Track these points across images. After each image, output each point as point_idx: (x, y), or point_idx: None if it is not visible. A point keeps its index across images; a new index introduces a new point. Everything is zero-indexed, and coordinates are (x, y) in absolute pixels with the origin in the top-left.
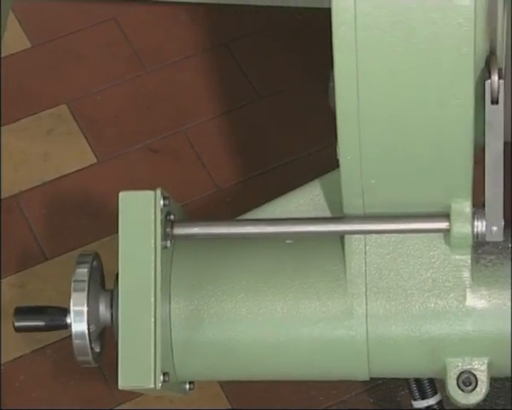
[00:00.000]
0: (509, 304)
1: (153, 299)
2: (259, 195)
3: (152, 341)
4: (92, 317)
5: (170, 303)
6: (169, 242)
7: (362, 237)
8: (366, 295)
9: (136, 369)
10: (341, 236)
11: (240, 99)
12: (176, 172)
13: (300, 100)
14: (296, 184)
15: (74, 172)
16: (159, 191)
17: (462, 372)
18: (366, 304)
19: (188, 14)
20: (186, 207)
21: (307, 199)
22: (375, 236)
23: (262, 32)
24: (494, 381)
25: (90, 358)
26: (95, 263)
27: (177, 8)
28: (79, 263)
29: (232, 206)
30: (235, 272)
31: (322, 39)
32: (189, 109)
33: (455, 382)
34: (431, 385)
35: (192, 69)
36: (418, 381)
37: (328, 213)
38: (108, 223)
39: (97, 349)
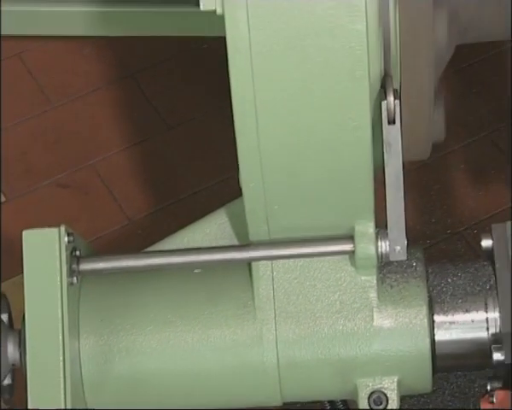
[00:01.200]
0: (415, 322)
1: (61, 337)
2: (171, 225)
3: (61, 380)
4: (1, 357)
5: (79, 340)
6: (75, 278)
7: (269, 262)
8: (275, 320)
9: (46, 408)
10: (249, 263)
11: (148, 130)
12: (86, 207)
13: (209, 128)
14: (207, 213)
15: None
16: (63, 228)
17: (372, 392)
18: (275, 329)
19: (93, 47)
20: (98, 241)
21: (214, 228)
22: (281, 261)
23: (168, 62)
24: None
25: None
26: (2, 303)
27: (81, 42)
28: None
29: (144, 237)
30: (143, 305)
31: (227, 68)
32: (97, 143)
33: (366, 402)
34: (344, 407)
35: (99, 102)
36: (332, 403)
37: (234, 241)
38: (19, 261)
39: (7, 391)
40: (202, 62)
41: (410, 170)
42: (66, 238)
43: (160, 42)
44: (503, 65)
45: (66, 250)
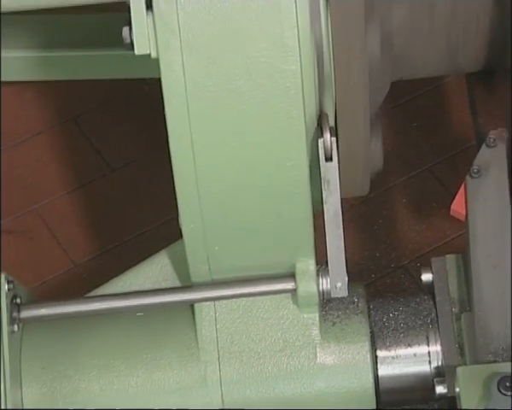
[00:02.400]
0: (358, 358)
1: (2, 386)
2: (116, 268)
3: None
4: None
5: (21, 388)
6: (16, 326)
7: (211, 303)
8: (219, 361)
9: None
10: (191, 304)
11: (91, 173)
12: (31, 252)
13: (152, 170)
14: (152, 255)
15: None
16: (2, 276)
17: None
18: (220, 370)
19: (34, 92)
20: (43, 287)
21: (156, 270)
22: (224, 301)
23: (109, 104)
24: None
25: None
26: None
27: (23, 87)
28: None
29: (89, 281)
30: (86, 351)
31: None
32: (40, 187)
33: None
34: None
35: (41, 147)
36: None
37: (177, 283)
38: None
39: None
40: (144, 104)
41: (354, 205)
42: (6, 286)
43: (101, 85)
44: (442, 99)
45: (7, 298)
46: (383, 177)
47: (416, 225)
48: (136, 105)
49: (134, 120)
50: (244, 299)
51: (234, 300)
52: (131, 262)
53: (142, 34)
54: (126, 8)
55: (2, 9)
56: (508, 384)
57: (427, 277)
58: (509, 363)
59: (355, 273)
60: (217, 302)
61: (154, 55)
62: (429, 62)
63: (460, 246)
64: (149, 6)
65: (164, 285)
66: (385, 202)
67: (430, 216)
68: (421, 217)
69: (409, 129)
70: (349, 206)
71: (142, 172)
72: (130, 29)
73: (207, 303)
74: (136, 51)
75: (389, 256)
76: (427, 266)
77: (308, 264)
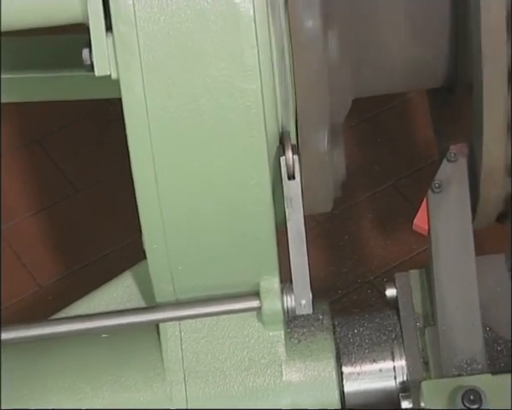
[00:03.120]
0: (323, 374)
1: None
2: (82, 289)
3: None
4: None
5: None
6: None
7: (176, 323)
8: (185, 381)
9: None
10: (156, 324)
11: (56, 194)
12: None
13: (116, 190)
14: (118, 275)
15: None
16: None
17: None
18: (185, 390)
19: None
20: (8, 310)
21: (120, 291)
22: (189, 321)
23: (73, 125)
24: None
25: None
26: None
27: None
28: None
29: (55, 303)
30: (52, 373)
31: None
32: (4, 209)
33: None
34: None
35: (5, 168)
36: None
37: (142, 303)
38: None
39: None
40: (108, 124)
41: (320, 222)
42: None
43: (65, 106)
44: (406, 114)
45: None
46: (348, 193)
47: (382, 241)
48: (100, 126)
49: (98, 141)
50: (209, 318)
51: (199, 319)
52: (97, 283)
53: (102, 56)
54: (86, 30)
55: None
56: (472, 398)
57: (391, 292)
58: (473, 377)
59: (321, 290)
60: (182, 322)
61: (114, 76)
62: (390, 79)
63: (425, 260)
64: (109, 27)
65: (129, 306)
66: (350, 218)
67: (395, 231)
68: (386, 232)
69: (373, 145)
70: (315, 222)
71: (107, 193)
72: (90, 51)
73: (172, 323)
74: (97, 73)
75: (355, 272)
76: (392, 282)
77: (272, 282)
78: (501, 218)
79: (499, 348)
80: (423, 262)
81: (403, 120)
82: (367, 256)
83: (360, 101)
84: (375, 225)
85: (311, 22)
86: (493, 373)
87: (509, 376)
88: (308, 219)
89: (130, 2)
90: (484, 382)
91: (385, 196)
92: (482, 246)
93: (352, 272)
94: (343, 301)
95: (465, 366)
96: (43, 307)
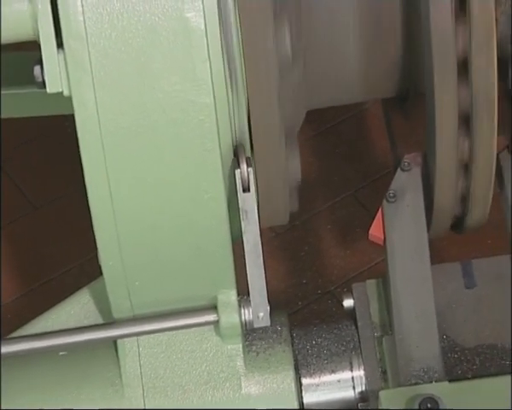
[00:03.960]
0: (283, 386)
1: None
2: (42, 306)
3: None
4: None
5: None
6: None
7: (134, 339)
8: (144, 396)
9: None
10: (114, 340)
11: (14, 212)
12: None
13: (75, 207)
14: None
15: None
16: None
17: None
18: (144, 406)
19: None
20: None
21: (77, 308)
22: (147, 336)
23: (31, 142)
24: None
25: None
26: None
27: None
28: None
29: (14, 321)
30: (9, 392)
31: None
32: None
33: None
34: None
35: None
36: None
37: (100, 320)
38: None
39: None
40: (66, 141)
41: (279, 233)
42: None
43: (22, 123)
44: (364, 124)
45: None
46: (308, 203)
47: (342, 251)
48: (58, 142)
49: (56, 158)
50: (167, 333)
51: (157, 334)
52: (57, 300)
53: (54, 73)
54: (38, 47)
55: None
56: (429, 406)
57: (348, 303)
58: (430, 385)
59: (282, 301)
60: (140, 338)
61: (66, 93)
62: (343, 90)
63: (384, 270)
64: (60, 44)
65: (86, 323)
66: (310, 229)
67: (355, 241)
68: (346, 242)
69: (332, 155)
70: (275, 234)
71: (66, 210)
72: (42, 68)
73: (130, 339)
74: (48, 90)
75: (316, 283)
76: (349, 292)
77: (229, 295)
78: (456, 226)
79: (456, 356)
80: (383, 271)
81: (361, 129)
82: (327, 267)
83: (317, 112)
84: (335, 235)
85: (264, 35)
86: (450, 381)
87: (465, 383)
88: (267, 230)
89: (81, 18)
90: (441, 389)
91: (344, 207)
92: (439, 254)
93: (313, 283)
94: (304, 313)
95: (422, 374)
96: (3, 326)
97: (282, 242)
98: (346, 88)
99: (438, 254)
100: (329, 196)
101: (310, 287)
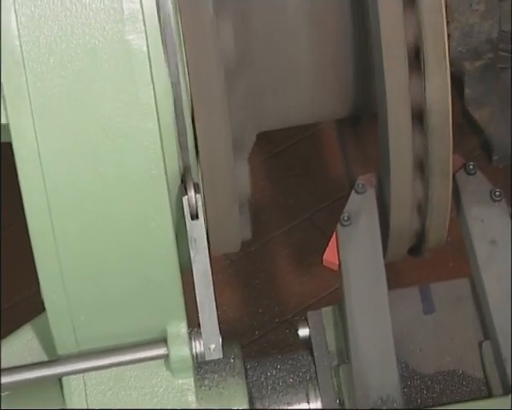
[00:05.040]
0: None
1: None
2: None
3: None
4: None
5: None
6: None
7: (80, 376)
8: None
9: None
10: (59, 378)
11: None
12: None
13: (22, 237)
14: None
15: None
16: None
17: None
18: None
19: None
20: None
21: (20, 345)
22: (94, 373)
23: None
24: None
25: None
26: None
27: None
28: None
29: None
30: None
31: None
32: None
33: None
34: None
35: None
36: None
37: (44, 357)
38: None
39: None
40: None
41: (234, 261)
42: None
43: None
44: (319, 145)
45: None
46: (263, 229)
47: (299, 277)
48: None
49: (7, 185)
50: (115, 369)
51: (104, 370)
52: (5, 334)
53: None
54: None
55: None
56: None
57: (304, 332)
58: None
59: (237, 331)
60: (86, 374)
61: (3, 121)
62: (294, 111)
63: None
64: None
65: (30, 361)
66: (266, 255)
67: (312, 266)
68: (303, 268)
69: (287, 178)
70: (229, 261)
71: (13, 241)
72: None
73: (76, 376)
74: None
75: (272, 311)
76: (304, 321)
77: (179, 327)
78: (413, 250)
79: (415, 384)
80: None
81: (316, 150)
82: (284, 294)
83: (269, 134)
84: (292, 261)
85: (209, 57)
86: None
87: None
88: (222, 258)
89: (17, 42)
90: None
91: (300, 231)
92: (399, 278)
93: (269, 312)
94: (261, 343)
95: (381, 403)
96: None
97: (237, 269)
98: (297, 109)
99: (397, 279)
100: (285, 220)
101: (266, 316)
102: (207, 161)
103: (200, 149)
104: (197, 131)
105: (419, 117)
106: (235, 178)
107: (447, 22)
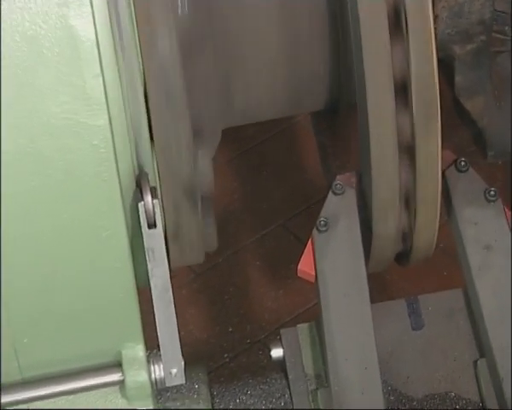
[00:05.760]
0: None
1: None
2: None
3: None
4: None
5: None
6: None
7: (25, 406)
8: None
9: None
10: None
11: None
12: None
13: None
14: None
15: None
16: None
17: None
18: None
19: None
20: None
21: None
22: (40, 403)
23: None
24: None
25: None
26: None
27: None
28: None
29: None
30: None
31: None
32: None
33: None
34: None
35: None
36: None
37: None
38: None
39: None
40: None
41: (200, 273)
42: None
43: None
44: (294, 141)
45: None
46: (232, 237)
47: (273, 291)
48: None
49: None
50: (64, 397)
51: (51, 399)
52: None
53: None
54: None
55: None
56: None
57: (277, 352)
58: None
59: (204, 354)
60: (31, 404)
61: None
62: (265, 104)
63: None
64: None
65: None
66: (236, 267)
67: (288, 279)
68: (277, 281)
69: (257, 179)
70: (194, 274)
71: None
72: None
73: (20, 406)
74: None
75: (244, 331)
76: (277, 340)
77: (136, 350)
78: (400, 257)
79: (403, 408)
80: None
81: (290, 147)
82: (256, 311)
83: (238, 129)
84: (265, 273)
85: (167, 47)
86: None
87: None
88: (185, 270)
89: None
90: None
91: (274, 238)
92: (386, 290)
93: (240, 331)
94: (231, 366)
95: None
96: None
97: (203, 283)
98: (268, 101)
99: (383, 291)
100: (256, 226)
101: (237, 336)
102: (164, 158)
103: (156, 146)
104: (153, 127)
105: (404, 99)
106: (197, 177)
107: (433, 1)
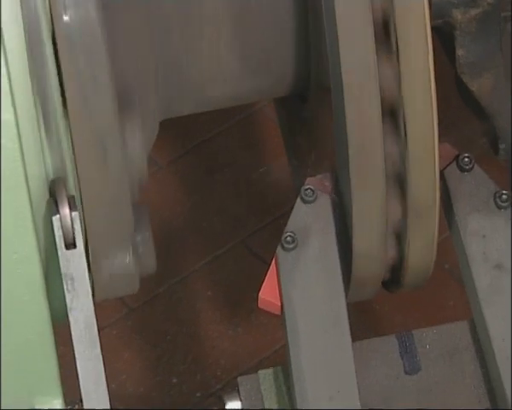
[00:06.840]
0: None
1: None
2: None
3: None
4: None
5: None
6: None
7: None
8: None
9: None
10: None
11: None
12: None
13: None
14: None
15: None
16: None
17: None
18: None
19: None
20: None
21: None
22: None
23: None
24: None
25: None
26: None
27: None
28: None
29: None
30: None
31: None
32: None
33: None
34: None
35: None
36: None
37: None
38: None
39: None
40: None
41: (134, 308)
42: None
43: None
44: (253, 134)
45: None
46: (178, 260)
47: (230, 329)
48: None
49: None
50: None
51: None
52: None
53: None
54: None
55: None
56: None
57: (234, 405)
58: None
59: None
60: None
61: None
62: (215, 89)
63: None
64: None
65: None
66: (182, 299)
67: (250, 312)
68: (235, 316)
69: (208, 185)
70: (127, 309)
71: None
72: None
73: None
74: None
75: (192, 381)
76: (235, 391)
77: (52, 405)
78: (389, 282)
79: None
80: None
81: (250, 144)
82: (209, 355)
83: (184, 120)
84: (219, 306)
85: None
86: None
87: None
88: (116, 303)
89: None
90: None
91: (231, 261)
92: (376, 324)
93: (188, 382)
94: None
95: None
96: None
97: (139, 320)
98: (221, 87)
99: (372, 326)
100: (208, 246)
101: (184, 388)
102: (82, 154)
103: (73, 140)
104: (70, 120)
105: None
106: (126, 181)
107: None
